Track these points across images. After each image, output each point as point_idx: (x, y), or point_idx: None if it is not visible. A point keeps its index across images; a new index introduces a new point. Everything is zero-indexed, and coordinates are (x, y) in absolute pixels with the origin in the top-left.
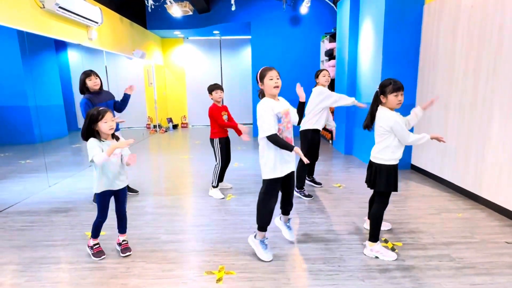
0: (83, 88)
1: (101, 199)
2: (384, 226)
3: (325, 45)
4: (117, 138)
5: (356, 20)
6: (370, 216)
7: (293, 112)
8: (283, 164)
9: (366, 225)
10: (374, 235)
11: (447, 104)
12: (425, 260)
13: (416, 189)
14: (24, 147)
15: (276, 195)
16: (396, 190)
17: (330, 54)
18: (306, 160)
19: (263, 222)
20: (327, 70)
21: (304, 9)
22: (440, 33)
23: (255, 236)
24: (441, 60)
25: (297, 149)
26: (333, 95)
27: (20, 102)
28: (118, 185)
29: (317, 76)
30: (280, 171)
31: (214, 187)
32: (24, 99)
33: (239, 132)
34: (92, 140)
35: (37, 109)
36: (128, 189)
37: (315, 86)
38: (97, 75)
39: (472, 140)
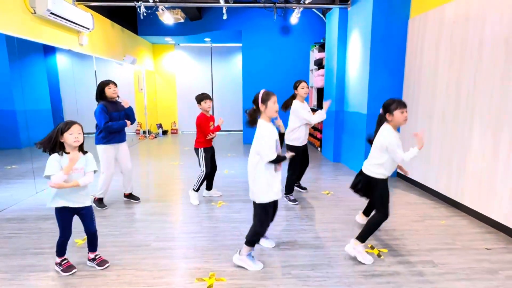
0: (101, 96)
1: (60, 216)
2: None
3: (315, 54)
4: (84, 152)
5: (344, 31)
6: (368, 220)
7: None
8: (275, 187)
9: (359, 218)
10: (363, 237)
11: (431, 114)
12: (409, 266)
13: (402, 197)
14: (9, 152)
15: (270, 217)
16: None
17: (319, 64)
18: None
19: (256, 240)
20: (305, 82)
21: (294, 19)
22: (424, 46)
23: (239, 253)
24: (425, 72)
25: (288, 154)
26: (306, 116)
27: (6, 106)
28: (78, 203)
29: (295, 87)
30: (274, 194)
31: (194, 190)
32: (10, 103)
33: (217, 129)
34: (53, 157)
35: (24, 113)
36: (131, 196)
37: (295, 97)
38: (116, 85)
39: (455, 149)
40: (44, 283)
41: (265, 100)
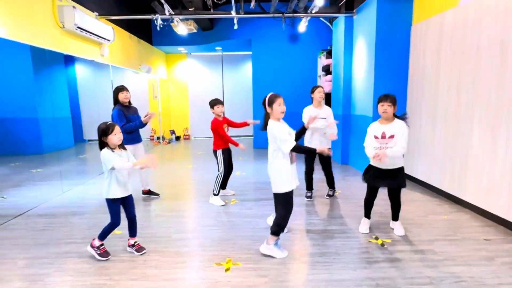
0: (116, 101)
1: (113, 204)
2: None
3: (322, 61)
4: (124, 148)
5: (350, 38)
6: (398, 201)
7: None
8: (294, 176)
9: (393, 225)
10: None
11: (434, 116)
12: (411, 254)
13: (407, 195)
14: (32, 157)
15: (292, 204)
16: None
17: (327, 70)
18: (329, 153)
19: (281, 229)
20: (322, 87)
21: (302, 27)
22: (426, 51)
23: (266, 243)
24: (428, 76)
25: (321, 148)
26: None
27: (30, 114)
28: (127, 192)
29: (313, 92)
30: (293, 183)
31: (215, 194)
32: (33, 112)
33: (236, 144)
34: (106, 151)
35: (46, 121)
36: (150, 192)
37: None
38: (128, 91)
39: (457, 148)
40: (80, 266)
41: (270, 103)
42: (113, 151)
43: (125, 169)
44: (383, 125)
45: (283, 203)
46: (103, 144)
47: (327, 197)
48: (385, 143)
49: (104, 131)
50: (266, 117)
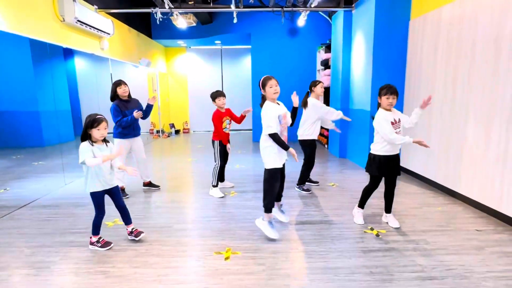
0: (114, 96)
1: (96, 198)
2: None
3: (321, 55)
4: (107, 142)
5: (349, 32)
6: (392, 193)
7: (288, 115)
8: (281, 156)
9: (385, 218)
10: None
11: (430, 110)
12: (404, 244)
13: (403, 188)
14: (33, 150)
15: (278, 181)
16: (370, 172)
17: (326, 64)
18: (297, 160)
19: (270, 205)
20: (322, 82)
21: (301, 21)
22: (423, 46)
23: (262, 219)
24: (425, 71)
25: (292, 150)
26: (324, 107)
27: (31, 108)
28: (110, 185)
29: (315, 86)
30: (280, 162)
31: (214, 186)
32: (34, 105)
33: (224, 142)
34: (84, 144)
35: (46, 114)
36: (150, 184)
37: (309, 96)
38: (126, 84)
39: (452, 142)
40: (85, 255)
41: (263, 86)
42: (93, 145)
43: (94, 165)
44: (389, 112)
45: (266, 178)
46: (86, 135)
47: (315, 184)
48: (398, 127)
49: (90, 123)
50: (263, 98)
